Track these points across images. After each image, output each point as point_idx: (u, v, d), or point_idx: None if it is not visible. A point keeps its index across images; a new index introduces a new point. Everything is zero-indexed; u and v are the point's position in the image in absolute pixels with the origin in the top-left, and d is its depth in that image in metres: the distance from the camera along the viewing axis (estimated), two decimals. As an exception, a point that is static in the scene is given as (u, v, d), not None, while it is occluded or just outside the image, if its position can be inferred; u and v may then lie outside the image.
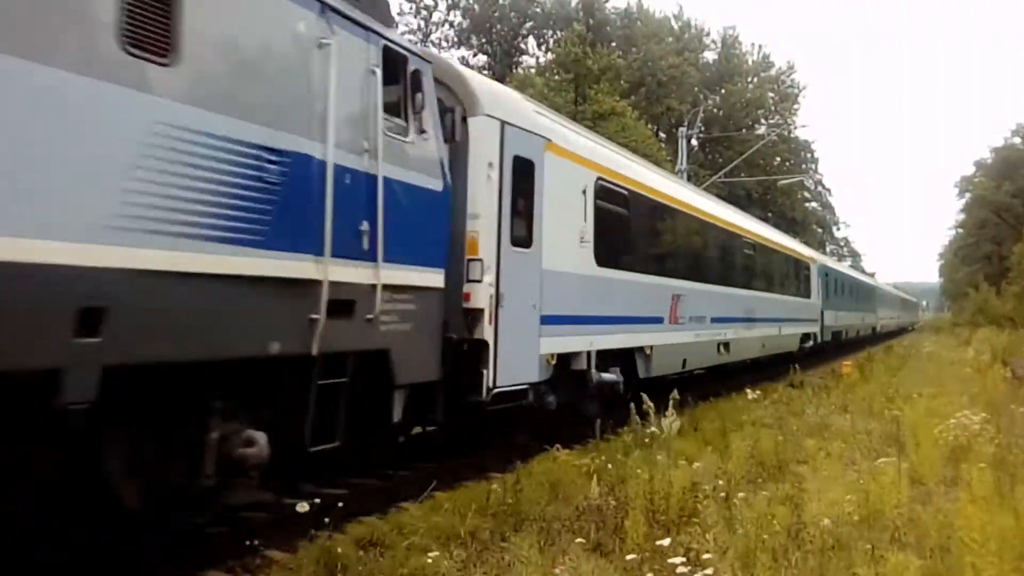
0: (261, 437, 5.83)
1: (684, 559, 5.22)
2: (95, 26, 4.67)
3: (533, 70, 56.18)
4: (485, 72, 61.05)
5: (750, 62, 79.75)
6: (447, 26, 66.70)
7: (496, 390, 8.92)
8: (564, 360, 10.57)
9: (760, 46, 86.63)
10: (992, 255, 71.58)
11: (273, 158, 5.83)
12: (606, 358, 11.63)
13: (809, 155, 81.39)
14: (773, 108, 77.81)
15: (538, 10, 67.78)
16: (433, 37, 63.72)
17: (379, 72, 7.18)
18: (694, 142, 51.35)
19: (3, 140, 4.18)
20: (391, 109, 7.50)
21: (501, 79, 50.33)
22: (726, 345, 17.64)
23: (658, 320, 13.79)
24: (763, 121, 75.39)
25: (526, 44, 69.40)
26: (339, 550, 6.18)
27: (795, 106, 79.47)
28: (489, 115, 9.13)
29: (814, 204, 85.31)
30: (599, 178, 11.78)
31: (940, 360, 24.46)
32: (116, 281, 4.67)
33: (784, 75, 79.61)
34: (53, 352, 4.41)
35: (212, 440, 5.65)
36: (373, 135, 7.06)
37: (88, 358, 4.54)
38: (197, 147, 5.22)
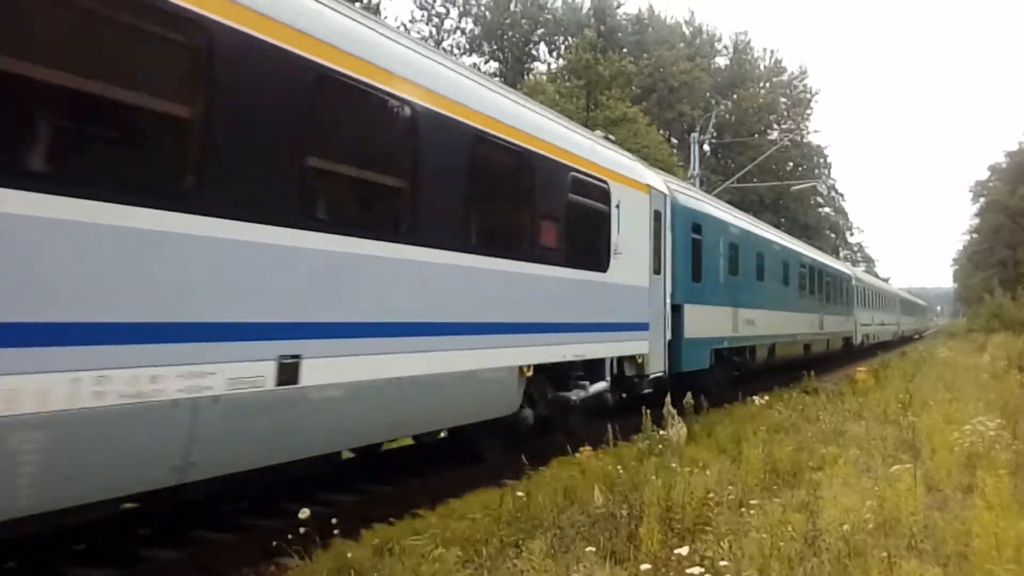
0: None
1: (701, 568, 5.20)
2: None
3: (544, 76, 56.29)
4: (497, 79, 61.15)
5: (762, 67, 79.78)
6: (459, 33, 67.07)
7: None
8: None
9: (772, 51, 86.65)
10: (1007, 260, 71.08)
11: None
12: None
13: (822, 160, 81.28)
14: (785, 113, 77.80)
15: (549, 17, 67.99)
16: (445, 44, 63.95)
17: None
18: (706, 147, 51.38)
19: None
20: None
21: (513, 86, 50.43)
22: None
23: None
24: (775, 126, 75.37)
25: (537, 50, 69.65)
26: (350, 555, 6.19)
27: (807, 111, 79.50)
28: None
29: (827, 209, 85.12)
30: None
31: (955, 366, 24.27)
32: None
33: (796, 80, 79.63)
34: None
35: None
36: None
37: None
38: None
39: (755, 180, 55.55)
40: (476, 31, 67.21)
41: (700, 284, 15.51)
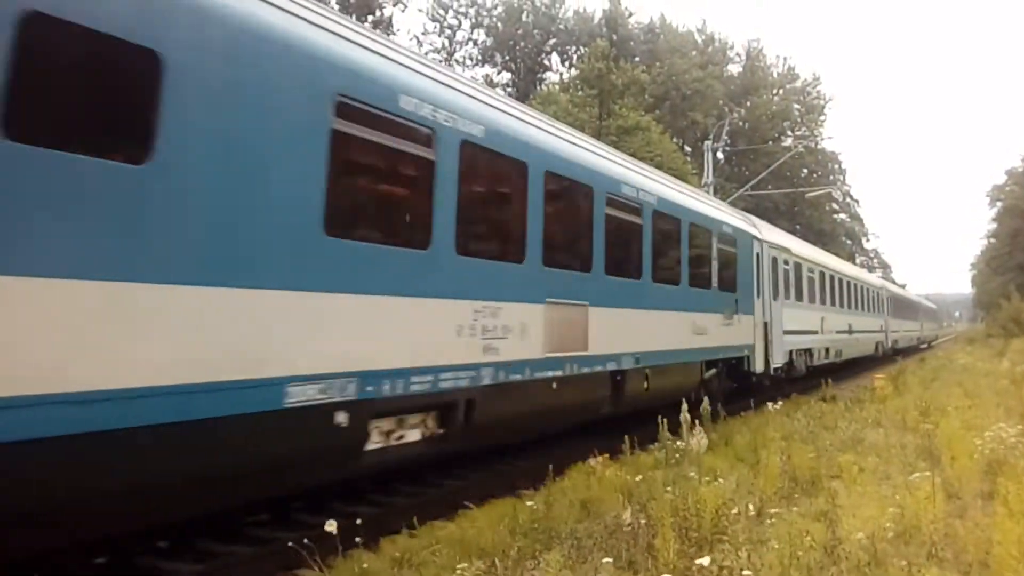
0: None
1: (720, 578, 5.19)
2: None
3: (557, 86, 56.39)
4: (509, 89, 61.33)
5: (775, 74, 79.63)
6: (471, 44, 67.38)
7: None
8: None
9: (785, 58, 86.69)
10: (1025, 265, 70.55)
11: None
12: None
13: (836, 166, 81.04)
14: (799, 120, 77.58)
15: (561, 27, 68.17)
16: (457, 56, 64.27)
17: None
18: (720, 155, 51.13)
19: None
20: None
21: (525, 96, 50.59)
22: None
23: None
24: (789, 133, 75.16)
25: (549, 61, 69.87)
26: (366, 565, 6.21)
27: (821, 117, 79.24)
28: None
29: (842, 215, 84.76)
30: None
31: (974, 372, 24.10)
32: None
33: (810, 87, 79.43)
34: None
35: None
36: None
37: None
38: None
39: (770, 187, 55.37)
40: (488, 42, 67.54)
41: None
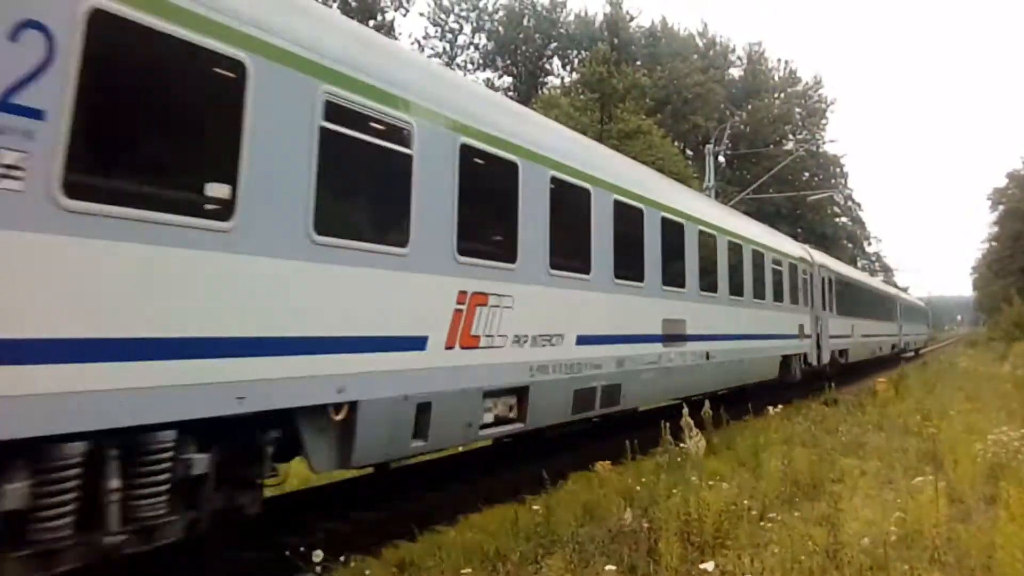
0: None
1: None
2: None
3: (558, 90, 56.43)
4: (510, 93, 61.38)
5: (776, 78, 79.63)
6: (472, 48, 67.40)
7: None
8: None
9: (786, 61, 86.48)
10: (1027, 268, 70.47)
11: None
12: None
13: (838, 170, 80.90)
14: (801, 123, 77.57)
15: (562, 31, 68.19)
16: (459, 60, 64.31)
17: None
18: (721, 159, 51.25)
19: None
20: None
21: (526, 100, 50.60)
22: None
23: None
24: (791, 137, 75.14)
25: (551, 65, 69.87)
26: (368, 572, 6.21)
27: (823, 121, 79.23)
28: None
29: (844, 219, 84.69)
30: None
31: (976, 375, 24.09)
32: None
33: (811, 90, 79.42)
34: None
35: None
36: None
37: None
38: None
39: (771, 191, 55.38)
40: (489, 46, 67.56)
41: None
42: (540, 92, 59.20)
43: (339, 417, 6.52)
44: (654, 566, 6.02)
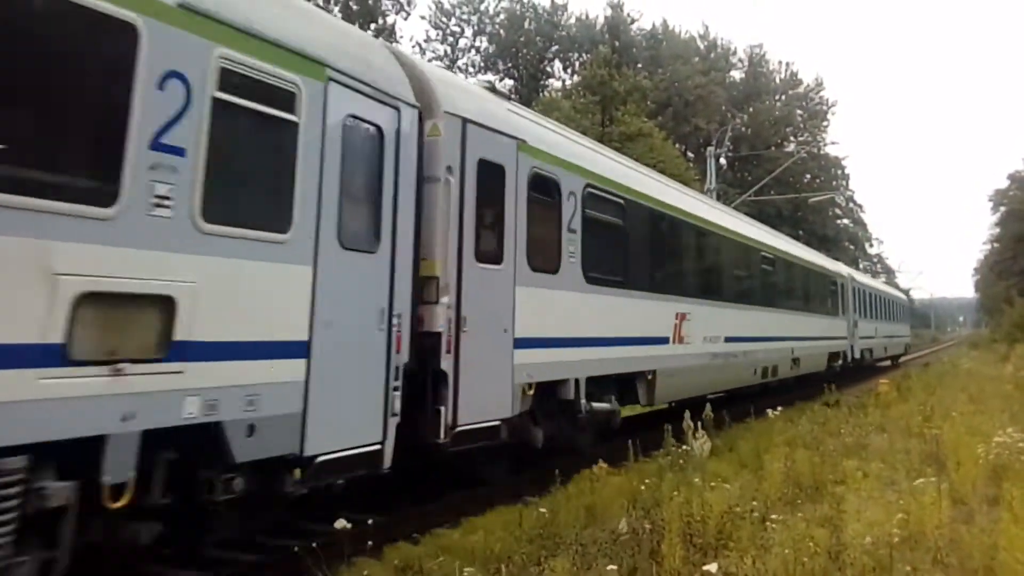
0: None
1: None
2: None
3: (560, 93, 56.45)
4: (512, 96, 61.37)
5: (777, 80, 79.57)
6: (473, 52, 67.41)
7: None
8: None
9: (788, 63, 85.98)
10: (1029, 269, 70.40)
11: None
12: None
13: (840, 171, 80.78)
14: (802, 125, 77.50)
15: (563, 34, 68.18)
16: (460, 63, 64.34)
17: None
18: (723, 161, 51.24)
19: None
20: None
21: (528, 103, 50.65)
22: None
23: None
24: (792, 138, 75.07)
25: (552, 67, 69.85)
26: (367, 573, 6.21)
27: (824, 123, 79.14)
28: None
29: (846, 221, 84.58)
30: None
31: (979, 376, 24.06)
32: None
33: (812, 92, 79.35)
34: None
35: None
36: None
37: None
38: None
39: (773, 193, 55.37)
40: (491, 49, 67.57)
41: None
42: (541, 95, 59.19)
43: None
44: (657, 568, 6.03)
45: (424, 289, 7.99)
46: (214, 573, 6.53)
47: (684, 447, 9.98)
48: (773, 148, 68.72)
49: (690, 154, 62.56)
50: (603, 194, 11.57)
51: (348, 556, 6.16)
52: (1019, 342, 47.45)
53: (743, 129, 71.94)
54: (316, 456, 6.34)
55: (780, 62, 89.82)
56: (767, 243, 20.28)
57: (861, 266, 77.72)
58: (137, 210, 5.03)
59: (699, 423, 10.50)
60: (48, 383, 4.51)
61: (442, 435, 7.95)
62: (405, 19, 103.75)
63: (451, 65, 63.38)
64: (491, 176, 8.82)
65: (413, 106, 7.78)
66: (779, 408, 14.75)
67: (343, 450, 6.67)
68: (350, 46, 7.38)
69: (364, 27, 42.01)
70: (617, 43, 62.43)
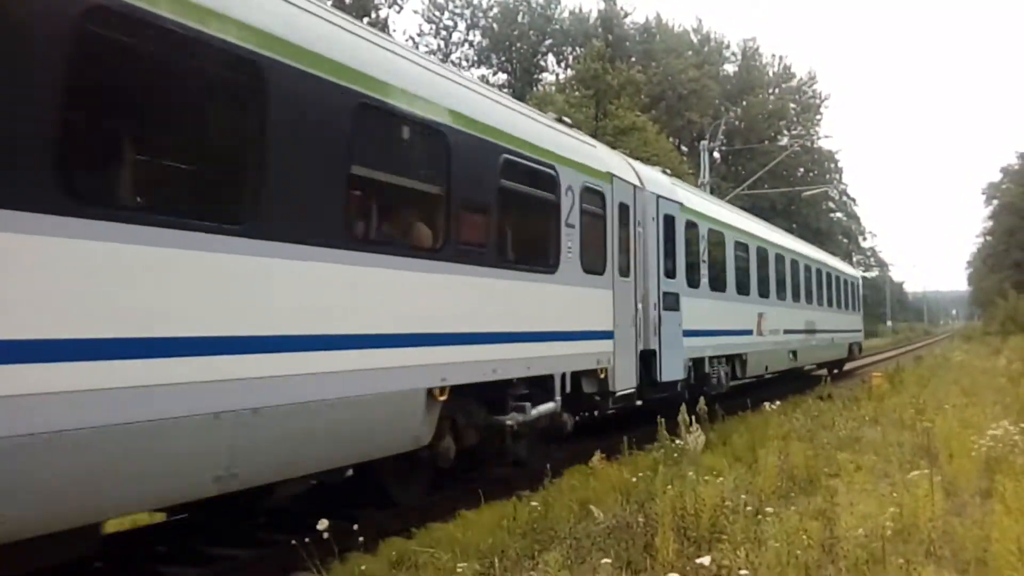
0: None
1: (720, 577, 5.18)
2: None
3: (553, 87, 56.35)
4: (505, 90, 61.36)
5: (771, 73, 79.60)
6: (467, 46, 67.20)
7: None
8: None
9: (781, 57, 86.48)
10: (1022, 262, 70.59)
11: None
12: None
13: (833, 165, 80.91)
14: (795, 119, 77.52)
15: (557, 27, 68.03)
16: (453, 57, 64.11)
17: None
18: (716, 155, 51.29)
19: None
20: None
21: (521, 97, 50.58)
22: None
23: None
24: (785, 132, 75.09)
25: (545, 61, 69.71)
26: (364, 567, 6.20)
27: (817, 116, 79.19)
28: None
29: (839, 214, 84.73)
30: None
31: (971, 369, 24.15)
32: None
33: (805, 85, 79.39)
34: None
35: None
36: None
37: None
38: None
39: (766, 186, 55.35)
40: (484, 43, 67.36)
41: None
42: (535, 89, 59.06)
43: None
44: (650, 561, 6.03)
45: None
46: (210, 570, 6.52)
47: (678, 441, 9.99)
48: (766, 142, 68.75)
49: (684, 148, 62.54)
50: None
51: (341, 550, 6.14)
52: (1012, 335, 47.67)
53: (736, 123, 71.99)
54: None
55: (773, 55, 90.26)
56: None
57: (855, 260, 77.93)
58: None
59: (693, 417, 10.53)
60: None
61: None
62: (398, 12, 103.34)
63: (444, 59, 63.22)
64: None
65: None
66: (776, 402, 14.76)
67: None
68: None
69: (358, 20, 41.86)
70: (611, 37, 62.31)
